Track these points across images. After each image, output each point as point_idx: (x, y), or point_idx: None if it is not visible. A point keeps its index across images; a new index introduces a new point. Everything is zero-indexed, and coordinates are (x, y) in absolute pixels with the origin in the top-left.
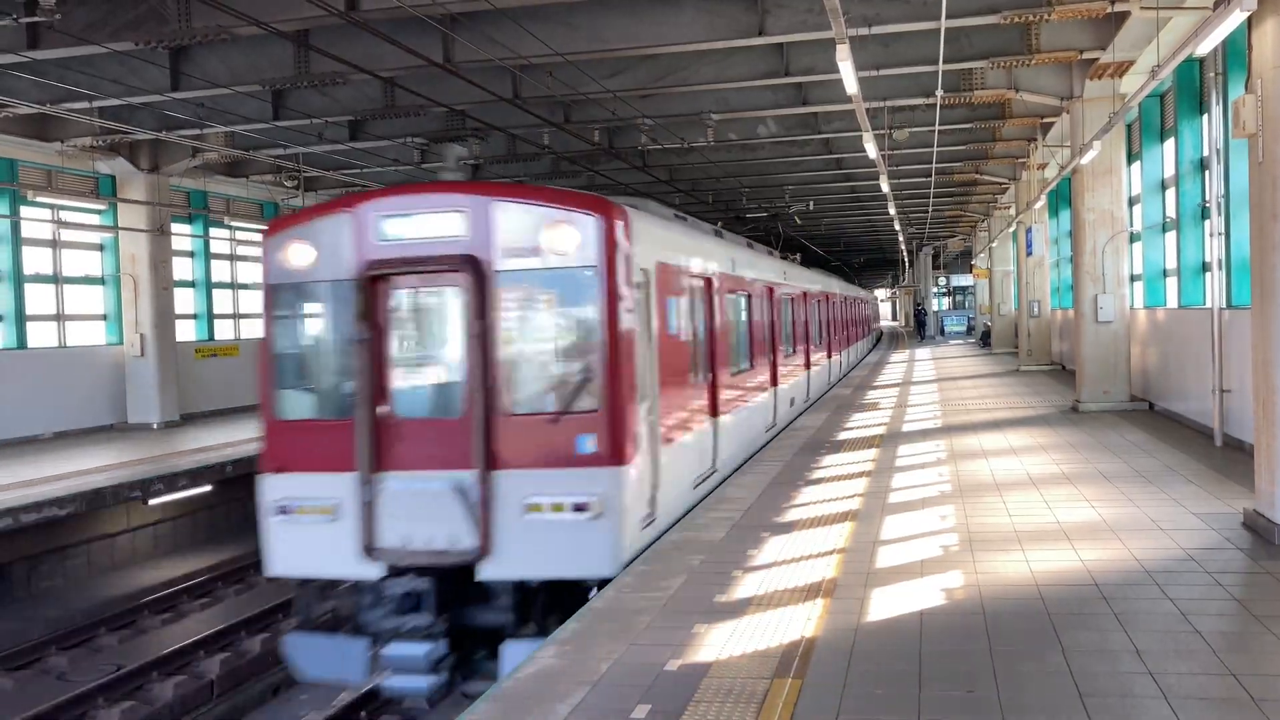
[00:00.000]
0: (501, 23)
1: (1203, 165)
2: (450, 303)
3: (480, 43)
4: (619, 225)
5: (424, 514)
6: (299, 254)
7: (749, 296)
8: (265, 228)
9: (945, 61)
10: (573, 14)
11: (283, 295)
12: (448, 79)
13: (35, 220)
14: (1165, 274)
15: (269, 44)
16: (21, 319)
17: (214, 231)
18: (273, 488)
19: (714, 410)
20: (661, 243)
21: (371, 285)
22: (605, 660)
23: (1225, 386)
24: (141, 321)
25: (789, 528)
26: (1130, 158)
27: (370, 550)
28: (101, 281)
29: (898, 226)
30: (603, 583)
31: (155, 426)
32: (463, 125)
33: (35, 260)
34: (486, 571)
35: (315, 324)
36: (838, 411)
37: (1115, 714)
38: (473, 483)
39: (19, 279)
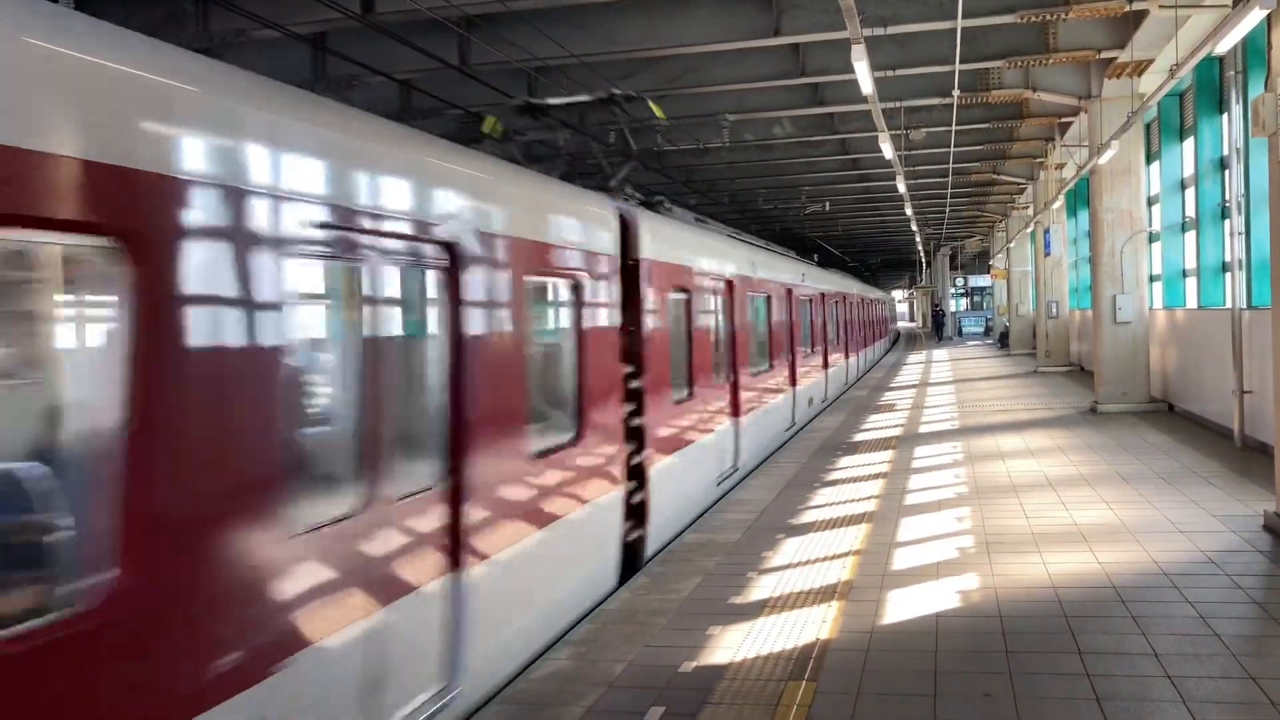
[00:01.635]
0: (517, 25)
1: (1222, 164)
2: None
3: (496, 45)
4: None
5: None
6: None
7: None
8: None
9: (962, 61)
10: (587, 16)
11: None
12: (464, 81)
13: None
14: (1185, 274)
15: (286, 47)
16: None
17: None
18: None
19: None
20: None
21: None
22: (620, 662)
23: (1246, 388)
24: None
25: (805, 530)
26: (1149, 157)
27: None
28: None
29: (914, 227)
30: None
31: None
32: (478, 127)
33: None
34: None
35: None
36: (855, 412)
37: (1133, 717)
38: None
39: None
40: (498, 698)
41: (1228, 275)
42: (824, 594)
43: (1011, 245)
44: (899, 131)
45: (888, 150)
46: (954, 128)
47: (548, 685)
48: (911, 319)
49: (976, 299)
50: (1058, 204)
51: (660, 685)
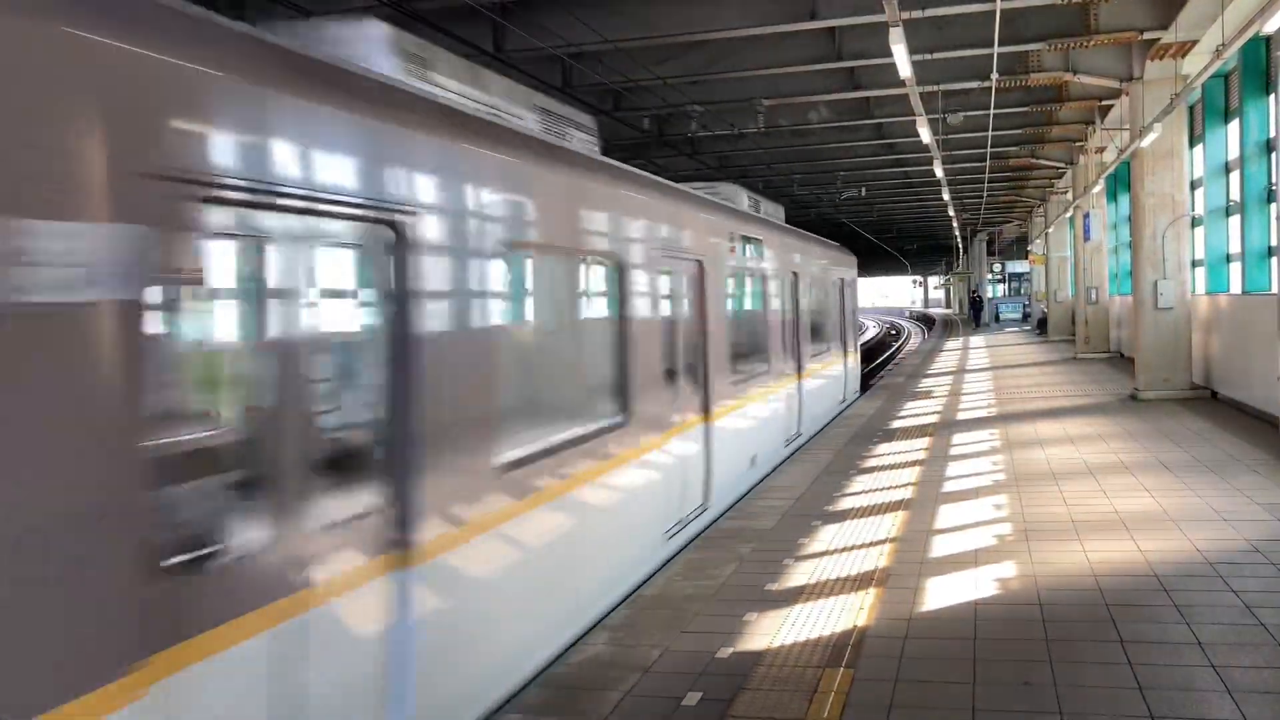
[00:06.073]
0: (551, 11)
1: (1269, 147)
2: None
3: (530, 31)
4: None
5: None
6: None
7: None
8: None
9: (1001, 44)
10: (622, 1)
11: None
12: (498, 68)
13: None
14: (1228, 259)
15: None
16: None
17: None
18: None
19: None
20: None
21: None
22: (656, 648)
23: None
24: None
25: (841, 516)
26: (1192, 140)
27: None
28: None
29: (951, 212)
30: None
31: None
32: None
33: None
34: None
35: None
36: (891, 399)
37: (1176, 707)
38: None
39: None
40: (536, 681)
41: (1274, 260)
42: (861, 581)
43: (1050, 230)
44: (936, 115)
45: (925, 134)
46: (992, 111)
47: (585, 670)
48: (947, 305)
49: (1014, 285)
50: (1097, 188)
51: (697, 671)
